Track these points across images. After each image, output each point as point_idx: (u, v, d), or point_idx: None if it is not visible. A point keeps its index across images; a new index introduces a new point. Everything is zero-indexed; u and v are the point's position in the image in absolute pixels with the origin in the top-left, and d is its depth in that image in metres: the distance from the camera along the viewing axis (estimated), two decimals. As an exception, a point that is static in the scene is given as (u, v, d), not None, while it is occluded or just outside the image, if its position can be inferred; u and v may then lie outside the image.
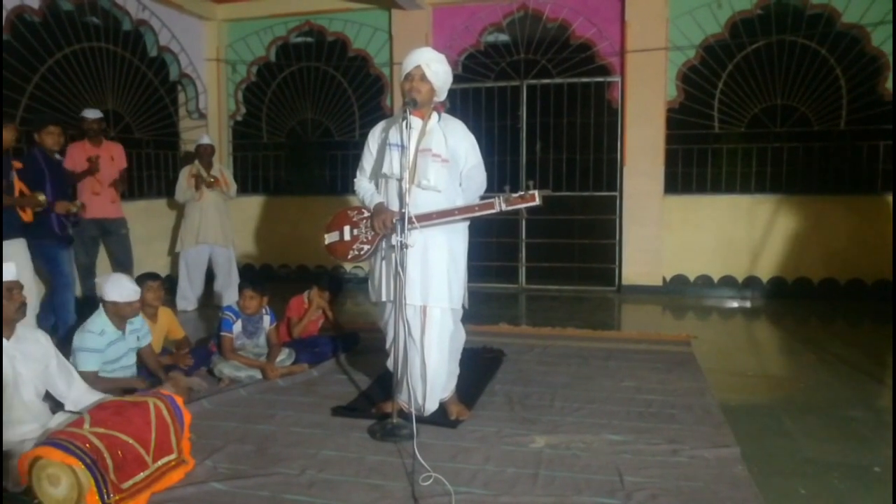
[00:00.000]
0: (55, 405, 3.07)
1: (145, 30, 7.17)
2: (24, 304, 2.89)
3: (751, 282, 6.93)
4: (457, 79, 7.44)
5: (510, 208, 3.27)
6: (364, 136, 3.55)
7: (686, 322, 6.18)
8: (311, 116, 8.11)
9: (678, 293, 7.04)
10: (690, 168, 7.12)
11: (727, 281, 7.00)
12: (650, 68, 6.94)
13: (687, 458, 3.00)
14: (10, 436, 2.76)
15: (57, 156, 5.00)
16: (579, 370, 4.41)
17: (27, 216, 4.33)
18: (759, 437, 3.31)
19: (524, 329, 5.61)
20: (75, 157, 5.62)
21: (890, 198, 6.49)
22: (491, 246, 7.48)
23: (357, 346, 4.79)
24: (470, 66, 7.58)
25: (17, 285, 2.87)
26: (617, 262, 7.26)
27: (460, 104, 7.62)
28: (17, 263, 3.10)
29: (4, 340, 2.83)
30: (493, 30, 7.51)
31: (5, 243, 3.94)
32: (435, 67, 3.30)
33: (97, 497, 2.49)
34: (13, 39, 5.70)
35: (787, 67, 6.76)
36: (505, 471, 2.90)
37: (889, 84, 6.50)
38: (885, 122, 6.54)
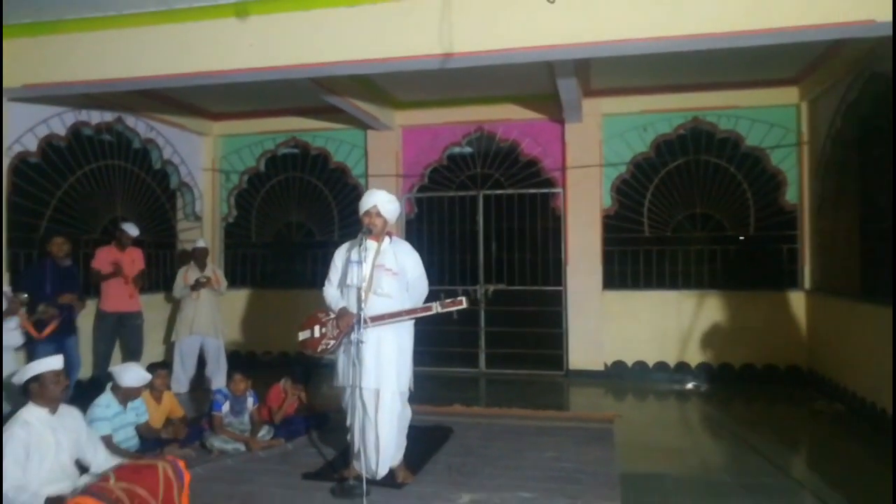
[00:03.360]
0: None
1: (152, 146, 8.25)
2: (67, 387, 3.76)
3: (681, 367, 7.85)
4: (422, 189, 8.68)
5: (444, 311, 4.22)
6: (343, 238, 4.49)
7: (621, 403, 7.03)
8: (295, 219, 9.17)
9: (618, 377, 7.92)
10: (626, 266, 8.17)
11: (660, 366, 7.91)
12: (588, 181, 8.08)
13: (578, 509, 3.85)
14: (49, 491, 3.56)
15: (69, 261, 6.00)
16: (513, 444, 5.26)
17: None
18: (643, 494, 4.17)
19: (474, 409, 6.46)
20: (102, 260, 6.60)
21: (793, 294, 7.53)
22: (454, 334, 8.39)
23: (327, 424, 5.59)
24: (434, 178, 8.70)
25: (63, 373, 3.75)
26: (564, 349, 8.18)
27: (426, 210, 8.72)
28: None
29: (50, 415, 3.68)
30: (454, 147, 8.66)
31: None
32: (387, 206, 4.30)
33: (120, 536, 3.29)
34: (43, 162, 6.74)
35: (703, 181, 7.93)
36: (435, 519, 3.74)
37: (789, 195, 7.65)
38: (786, 228, 7.67)
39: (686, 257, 8.06)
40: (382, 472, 4.25)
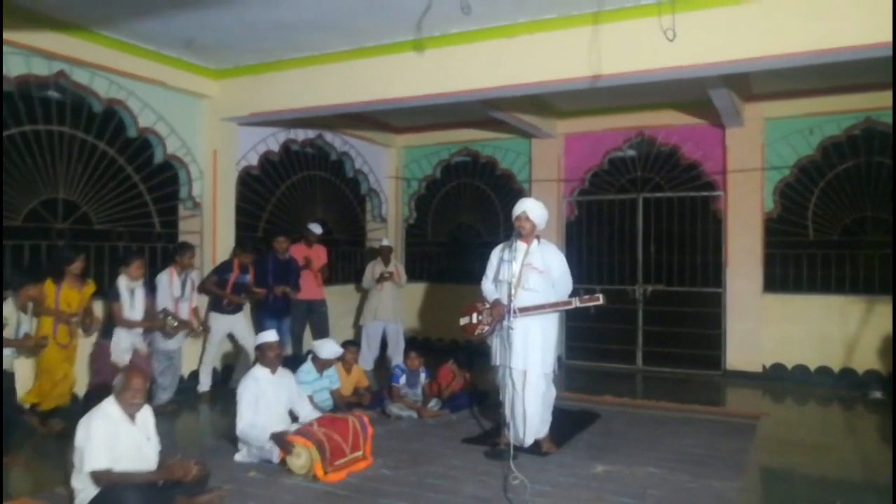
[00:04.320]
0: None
1: (346, 158, 9.57)
2: (279, 355, 4.88)
3: (846, 373, 7.69)
4: (583, 192, 9.20)
5: (583, 305, 4.82)
6: (507, 238, 5.12)
7: (777, 404, 7.08)
8: (466, 221, 10.12)
9: (777, 379, 7.94)
10: (788, 270, 8.13)
11: (823, 370, 7.81)
12: (749, 184, 8.16)
13: (698, 485, 4.29)
14: (274, 427, 4.65)
15: (287, 255, 7.31)
16: (653, 430, 5.71)
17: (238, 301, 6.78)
18: (765, 481, 4.49)
19: (624, 399, 6.93)
20: (295, 255, 7.93)
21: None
22: (613, 331, 8.85)
23: (487, 402, 6.37)
24: (595, 182, 9.20)
25: (278, 343, 4.88)
26: (722, 349, 8.32)
27: (586, 213, 9.24)
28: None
29: (271, 374, 4.81)
30: (615, 152, 9.09)
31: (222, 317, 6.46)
32: (535, 212, 4.97)
33: (321, 467, 4.31)
34: (261, 174, 8.19)
35: (875, 184, 7.69)
36: (569, 480, 4.38)
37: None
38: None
39: (854, 262, 7.86)
40: (529, 441, 4.95)
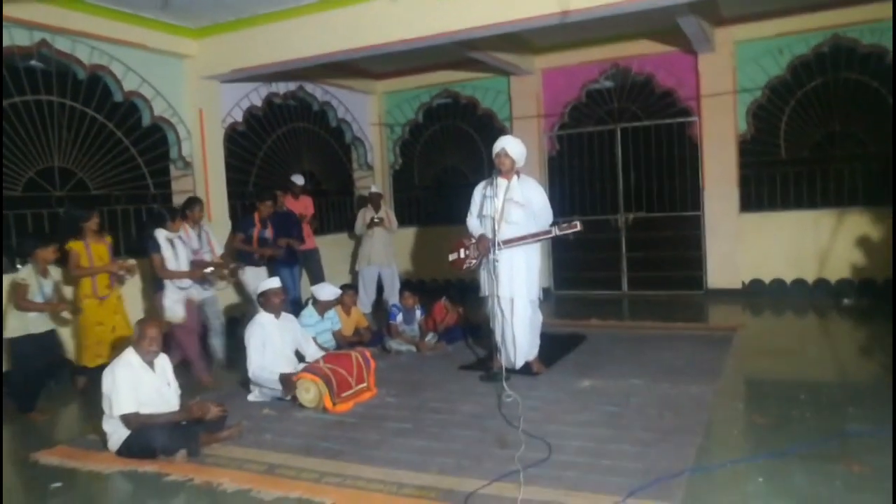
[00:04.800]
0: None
1: (328, 108, 9.70)
2: (284, 301, 5.19)
3: (820, 283, 8.10)
4: (563, 126, 9.41)
5: (562, 234, 5.12)
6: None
7: (757, 317, 7.47)
8: (451, 163, 10.33)
9: (755, 294, 8.35)
10: (762, 189, 8.44)
11: (798, 283, 8.22)
12: (722, 108, 8.39)
13: (677, 391, 4.69)
14: (280, 370, 5.00)
15: (285, 207, 7.53)
16: (637, 347, 6.10)
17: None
18: (738, 384, 4.89)
19: (609, 322, 7.32)
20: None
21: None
22: (598, 260, 9.20)
23: (480, 333, 6.73)
24: (574, 116, 9.39)
25: (281, 290, 5.18)
26: (703, 270, 8.70)
27: (567, 146, 9.47)
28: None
29: (274, 318, 5.13)
30: (592, 84, 9.25)
31: (258, 270, 6.48)
32: (514, 149, 5.21)
33: (329, 399, 4.67)
34: (247, 129, 8.36)
35: (843, 99, 7.93)
36: (558, 395, 4.77)
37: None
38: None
39: (824, 176, 8.17)
40: (520, 363, 5.32)
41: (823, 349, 6.14)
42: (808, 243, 8.12)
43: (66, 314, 5.28)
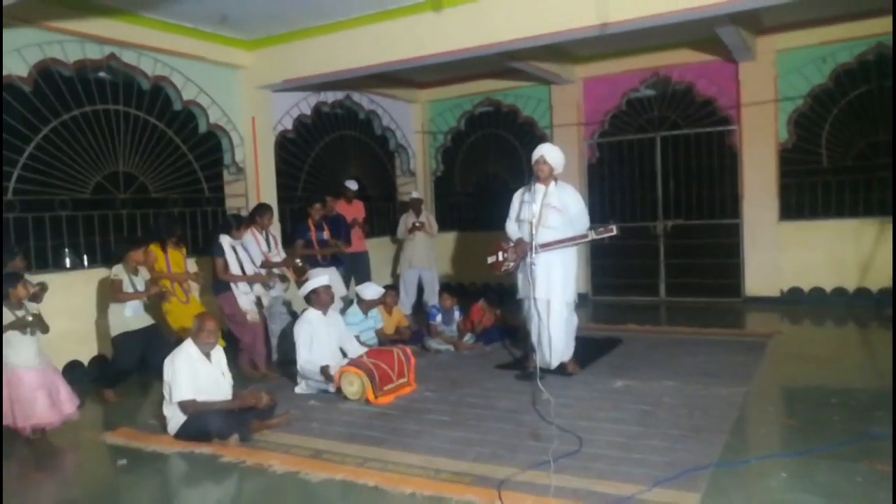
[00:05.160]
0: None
1: (373, 116, 10.02)
2: (332, 298, 5.48)
3: (861, 293, 8.06)
4: (603, 134, 9.55)
5: (598, 237, 5.29)
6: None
7: (795, 325, 7.48)
8: (492, 170, 10.55)
9: (794, 303, 8.34)
10: (802, 197, 8.44)
11: (839, 292, 8.18)
12: (763, 117, 8.43)
13: (707, 393, 4.81)
14: (328, 363, 5.27)
15: (335, 212, 7.83)
16: (672, 351, 6.21)
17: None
18: (770, 388, 4.98)
19: (645, 327, 7.43)
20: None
21: None
22: (635, 266, 9.30)
23: (517, 335, 6.91)
24: (614, 124, 9.52)
25: (330, 288, 5.47)
26: (741, 277, 8.73)
27: (607, 154, 9.60)
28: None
29: (322, 315, 5.41)
30: (632, 93, 9.37)
31: (325, 270, 6.76)
32: (552, 156, 5.41)
33: (371, 392, 4.92)
34: (296, 136, 8.71)
35: (888, 107, 7.87)
36: (591, 394, 4.94)
37: None
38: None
39: (867, 185, 8.13)
40: (555, 364, 5.50)
41: (858, 357, 6.16)
42: (849, 252, 8.09)
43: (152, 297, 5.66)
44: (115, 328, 5.46)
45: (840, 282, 8.19)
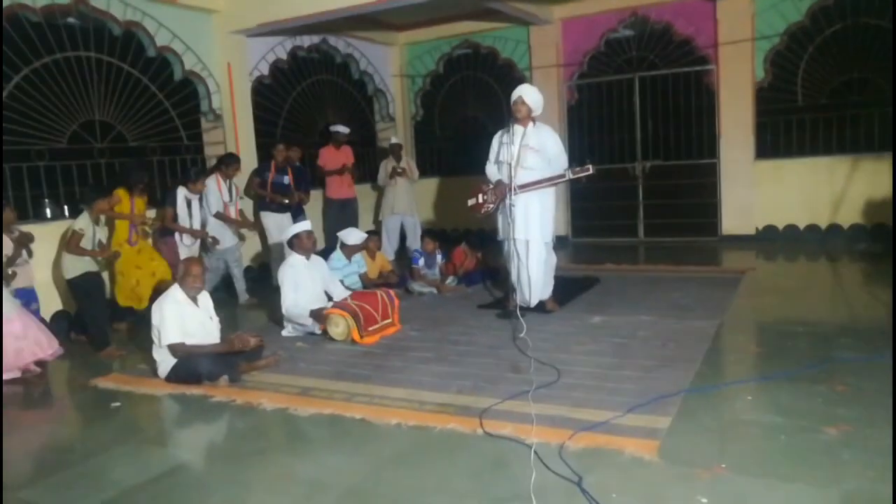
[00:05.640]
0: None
1: (350, 60, 9.90)
2: (314, 242, 5.55)
3: (833, 228, 8.27)
4: (582, 76, 9.52)
5: (575, 177, 5.38)
6: None
7: (770, 262, 7.68)
8: (471, 113, 10.53)
9: (769, 240, 8.54)
10: (777, 136, 8.56)
11: (812, 229, 8.39)
12: (740, 56, 8.46)
13: (682, 326, 4.99)
14: (313, 306, 5.39)
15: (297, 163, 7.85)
16: (647, 288, 6.39)
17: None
18: (742, 320, 5.18)
19: (622, 266, 7.60)
20: (326, 158, 8.46)
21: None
22: (614, 208, 9.43)
23: (498, 277, 7.06)
24: (593, 65, 9.50)
25: (311, 233, 5.53)
26: (718, 217, 8.90)
27: (586, 95, 9.61)
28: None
29: (305, 259, 5.49)
30: (611, 33, 9.32)
31: (276, 215, 6.87)
32: (530, 96, 5.43)
33: (357, 332, 5.05)
34: (273, 82, 8.62)
35: (862, 45, 7.95)
36: (569, 329, 5.10)
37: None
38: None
39: (840, 123, 8.25)
40: (534, 302, 5.65)
41: (827, 290, 6.37)
42: (822, 190, 8.27)
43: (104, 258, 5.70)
44: (73, 270, 5.35)
45: (813, 219, 8.38)
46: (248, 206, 7.67)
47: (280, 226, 7.30)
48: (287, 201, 7.52)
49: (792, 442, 3.03)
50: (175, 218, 6.29)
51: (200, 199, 6.51)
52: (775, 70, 8.42)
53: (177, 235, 6.36)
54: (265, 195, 7.41)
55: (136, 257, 6.05)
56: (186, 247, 6.42)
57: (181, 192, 6.31)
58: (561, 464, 2.94)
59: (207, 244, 6.65)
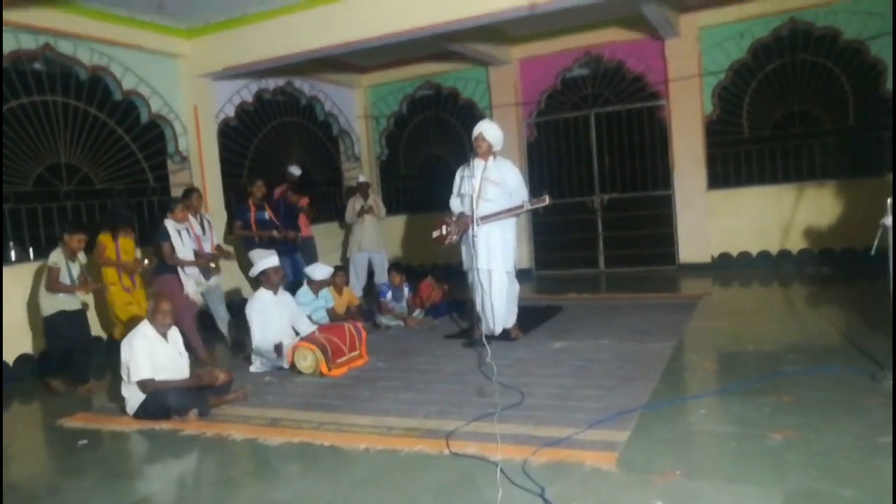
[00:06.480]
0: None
1: (315, 102, 10.12)
2: (282, 278, 5.64)
3: (783, 254, 8.62)
4: (540, 113, 9.85)
5: (532, 207, 5.59)
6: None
7: (725, 288, 7.95)
8: (435, 152, 10.79)
9: (724, 267, 8.86)
10: (728, 167, 8.95)
11: (763, 255, 8.73)
12: (689, 91, 8.89)
13: (640, 348, 5.18)
14: (281, 340, 5.46)
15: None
16: (609, 314, 6.60)
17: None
18: (699, 340, 5.40)
19: (584, 295, 7.82)
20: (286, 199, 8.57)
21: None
22: (574, 240, 9.70)
23: (464, 308, 7.20)
24: (550, 103, 9.86)
25: (279, 268, 5.63)
26: (675, 246, 9.21)
27: (544, 132, 9.95)
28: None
29: (273, 295, 5.58)
30: (567, 72, 9.71)
31: (265, 251, 6.87)
32: (490, 132, 5.68)
33: (325, 365, 5.13)
34: (239, 124, 8.77)
35: (800, 80, 8.43)
36: (532, 355, 5.26)
37: (889, 84, 7.97)
38: (888, 116, 8.00)
39: (784, 153, 8.68)
40: (498, 330, 5.80)
41: (778, 311, 6.64)
42: (771, 217, 8.64)
43: (86, 294, 5.68)
44: (49, 308, 5.38)
45: (764, 245, 8.73)
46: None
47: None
48: (276, 233, 7.50)
49: (741, 448, 3.20)
50: (173, 251, 6.07)
51: (187, 230, 6.42)
52: (722, 104, 8.86)
53: (180, 271, 6.10)
54: (251, 235, 7.41)
55: (126, 294, 5.99)
56: (191, 277, 6.18)
57: (171, 225, 6.11)
58: (525, 478, 3.06)
59: (210, 269, 6.47)
